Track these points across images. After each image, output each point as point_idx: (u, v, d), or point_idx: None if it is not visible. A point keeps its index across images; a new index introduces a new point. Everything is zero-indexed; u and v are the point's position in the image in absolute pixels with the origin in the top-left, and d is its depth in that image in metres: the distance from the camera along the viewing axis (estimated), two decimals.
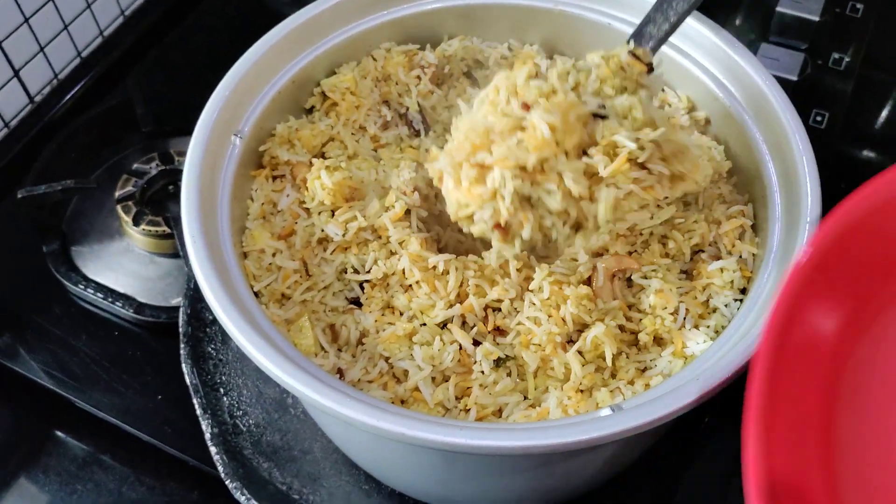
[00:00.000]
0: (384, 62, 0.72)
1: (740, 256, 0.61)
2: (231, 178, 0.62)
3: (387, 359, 0.59)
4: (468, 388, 0.58)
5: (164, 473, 0.81)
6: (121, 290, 0.87)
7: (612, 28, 0.70)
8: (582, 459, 0.56)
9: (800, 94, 0.98)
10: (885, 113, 1.00)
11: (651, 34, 0.61)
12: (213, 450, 0.70)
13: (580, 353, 0.58)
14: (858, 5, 1.07)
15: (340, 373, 0.58)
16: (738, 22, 1.07)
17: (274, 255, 0.63)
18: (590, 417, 0.48)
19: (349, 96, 0.70)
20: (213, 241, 0.58)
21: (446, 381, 0.58)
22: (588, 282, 0.61)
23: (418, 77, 0.72)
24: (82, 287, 0.87)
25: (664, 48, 0.69)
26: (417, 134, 0.72)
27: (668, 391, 0.49)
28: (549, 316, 0.59)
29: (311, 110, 0.72)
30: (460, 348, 0.58)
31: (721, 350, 0.51)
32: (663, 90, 0.71)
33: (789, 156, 0.59)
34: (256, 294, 0.61)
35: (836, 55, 1.02)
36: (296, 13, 0.68)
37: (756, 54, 0.98)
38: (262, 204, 0.65)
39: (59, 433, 0.83)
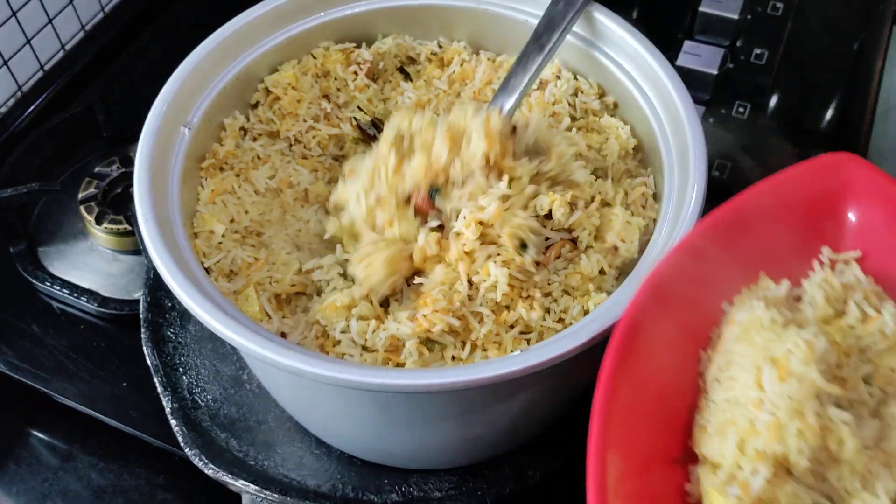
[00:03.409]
0: (323, 60, 0.78)
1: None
2: (181, 166, 0.68)
3: (323, 327, 0.65)
4: (401, 363, 0.63)
5: (132, 459, 0.85)
6: (86, 286, 0.92)
7: (528, 24, 0.77)
8: (504, 406, 0.62)
9: (721, 87, 1.05)
10: (829, 112, 1.07)
11: (514, 86, 0.70)
12: (172, 422, 0.75)
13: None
14: (778, 4, 1.15)
15: (284, 335, 0.64)
16: (665, 21, 1.14)
17: (224, 235, 0.69)
18: (499, 359, 0.54)
19: (291, 91, 0.76)
20: (164, 221, 0.63)
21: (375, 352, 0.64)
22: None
23: (355, 73, 0.78)
24: (48, 284, 0.92)
25: (577, 41, 0.77)
26: (373, 139, 0.78)
27: (567, 335, 0.55)
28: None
29: (256, 105, 0.78)
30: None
31: (617, 300, 0.57)
32: (576, 78, 0.77)
33: (682, 133, 0.66)
34: (207, 270, 0.66)
35: (757, 51, 1.10)
36: (238, 15, 0.74)
37: (680, 51, 1.07)
38: (212, 190, 0.71)
39: (28, 424, 0.87)
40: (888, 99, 1.30)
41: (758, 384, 0.47)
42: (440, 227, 0.65)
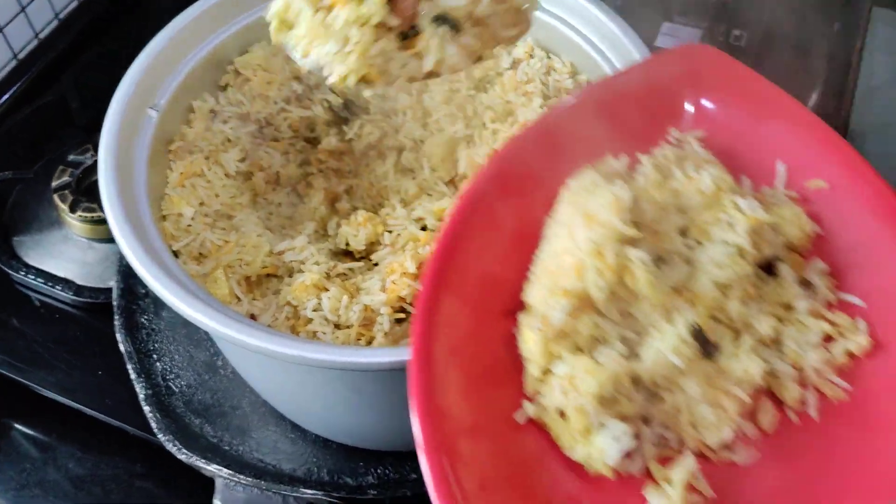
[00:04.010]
0: None
1: None
2: (148, 148, 0.67)
3: (295, 307, 0.64)
4: (373, 337, 0.63)
5: (110, 449, 0.85)
6: (61, 275, 0.91)
7: None
8: None
9: None
10: (810, 93, 1.07)
11: None
12: (146, 409, 0.75)
13: None
14: None
15: (253, 318, 0.63)
16: (643, 2, 1.14)
17: (193, 218, 0.68)
18: None
19: (261, 73, 0.75)
20: (130, 202, 0.62)
21: (349, 328, 0.64)
22: None
23: None
24: (23, 274, 0.91)
25: (550, 19, 0.76)
26: (345, 121, 0.77)
27: None
28: None
29: (225, 87, 0.77)
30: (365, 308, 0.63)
31: None
32: (549, 57, 0.77)
33: None
34: (175, 254, 0.66)
35: (736, 32, 1.10)
36: None
37: (658, 32, 1.06)
38: (181, 173, 0.70)
39: (4, 415, 0.86)
40: (869, 79, 1.30)
41: (570, 235, 0.50)
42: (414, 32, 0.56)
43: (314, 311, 0.63)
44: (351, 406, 0.65)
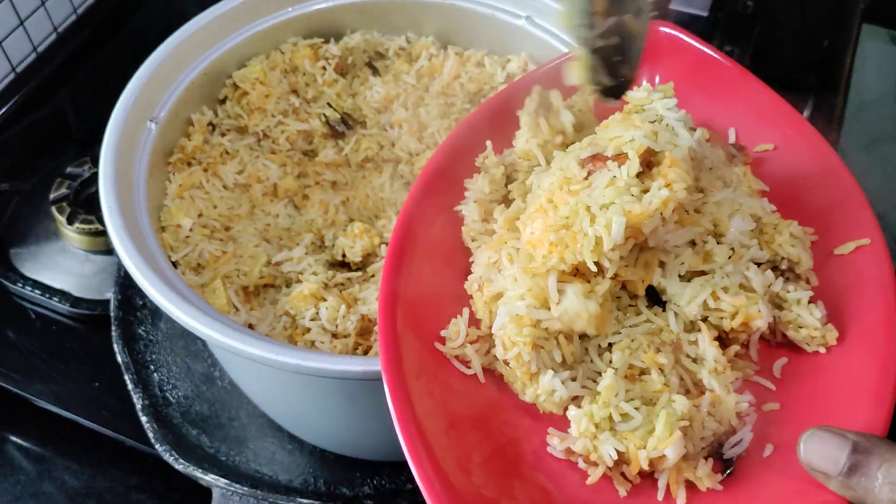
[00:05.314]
0: (291, 55, 0.79)
1: None
2: (147, 160, 0.68)
3: (293, 317, 0.65)
4: (370, 346, 0.64)
5: (105, 461, 0.85)
6: (58, 286, 0.91)
7: (495, 17, 0.78)
8: None
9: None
10: (804, 113, 1.08)
11: None
12: (143, 419, 0.75)
13: None
14: (749, 2, 1.16)
15: (251, 327, 0.64)
16: None
17: (192, 229, 0.69)
18: None
19: (259, 86, 0.76)
20: (130, 213, 0.63)
21: (346, 337, 0.64)
22: None
23: (323, 68, 0.78)
24: (20, 285, 0.91)
25: (542, 34, 0.77)
26: (342, 135, 0.78)
27: None
28: None
29: (224, 100, 0.78)
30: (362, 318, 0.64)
31: None
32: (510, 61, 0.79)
33: None
34: (174, 264, 0.66)
35: (727, 48, 1.11)
36: (205, 10, 0.74)
37: None
38: (180, 185, 0.71)
39: (1, 426, 0.86)
40: (859, 96, 1.32)
41: None
42: None
43: (312, 320, 0.63)
44: (347, 416, 0.65)
